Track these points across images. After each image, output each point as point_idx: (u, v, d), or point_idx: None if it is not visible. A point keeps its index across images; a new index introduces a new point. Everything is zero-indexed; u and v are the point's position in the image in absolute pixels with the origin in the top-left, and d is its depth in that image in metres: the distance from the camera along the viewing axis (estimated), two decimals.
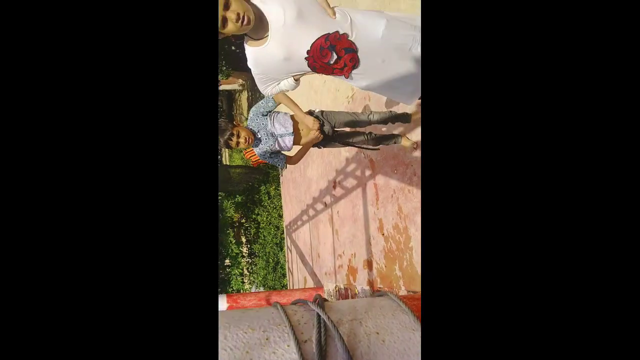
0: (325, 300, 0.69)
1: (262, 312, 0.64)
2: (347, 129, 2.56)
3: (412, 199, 2.85)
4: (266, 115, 2.22)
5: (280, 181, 8.05)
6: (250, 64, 1.40)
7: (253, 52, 1.35)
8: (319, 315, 0.60)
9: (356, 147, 2.70)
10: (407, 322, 0.61)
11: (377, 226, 3.52)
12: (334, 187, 4.67)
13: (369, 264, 3.69)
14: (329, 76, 1.46)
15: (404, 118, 2.54)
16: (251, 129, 2.20)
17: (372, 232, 3.62)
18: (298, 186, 6.54)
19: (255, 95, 9.63)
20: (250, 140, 2.12)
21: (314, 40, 1.29)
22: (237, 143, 2.09)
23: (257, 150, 2.25)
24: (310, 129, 2.23)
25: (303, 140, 2.29)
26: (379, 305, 0.66)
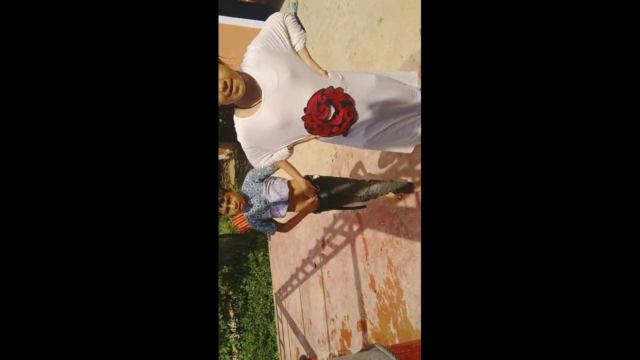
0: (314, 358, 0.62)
1: None
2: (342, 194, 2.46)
3: (400, 250, 2.77)
4: (262, 180, 2.13)
5: (269, 246, 7.84)
6: (240, 137, 1.32)
7: (244, 124, 1.28)
8: None
9: (348, 209, 2.63)
10: None
11: (368, 283, 3.37)
12: (323, 246, 4.55)
13: (363, 325, 3.48)
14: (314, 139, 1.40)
15: (408, 188, 2.39)
16: (244, 194, 2.12)
17: (363, 289, 3.46)
18: (286, 249, 6.37)
19: (242, 163, 9.75)
20: (241, 206, 2.02)
21: (309, 98, 1.25)
22: (227, 209, 1.99)
23: (247, 217, 2.15)
24: (306, 196, 2.14)
25: (298, 208, 2.19)
26: (367, 357, 0.58)
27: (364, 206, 2.56)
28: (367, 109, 1.33)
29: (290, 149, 1.38)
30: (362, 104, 1.31)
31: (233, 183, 10.35)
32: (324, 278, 4.51)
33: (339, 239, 4.04)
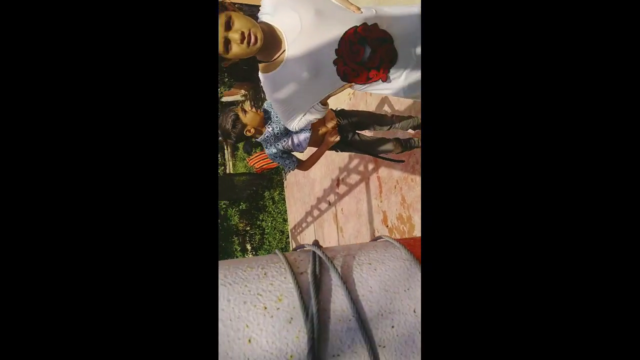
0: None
1: (260, 257, 0.67)
2: (370, 135, 2.33)
3: (414, 187, 2.87)
4: None
5: (284, 185, 8.08)
6: (269, 95, 1.18)
7: (270, 79, 1.13)
8: (314, 252, 0.63)
9: (380, 158, 2.39)
10: (399, 254, 0.63)
11: (381, 219, 3.53)
12: (338, 185, 4.70)
13: None
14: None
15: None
16: (264, 109, 2.02)
17: (376, 225, 3.63)
18: (302, 188, 6.57)
19: (258, 105, 9.72)
20: (260, 119, 1.93)
21: (339, 38, 1.07)
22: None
23: (268, 151, 2.09)
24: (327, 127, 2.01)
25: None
26: (373, 245, 0.69)
27: (402, 160, 2.44)
28: (408, 47, 1.13)
29: (325, 103, 1.22)
30: (402, 41, 1.12)
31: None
32: (338, 215, 4.71)
33: (354, 178, 4.15)
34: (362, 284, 0.57)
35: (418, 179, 2.83)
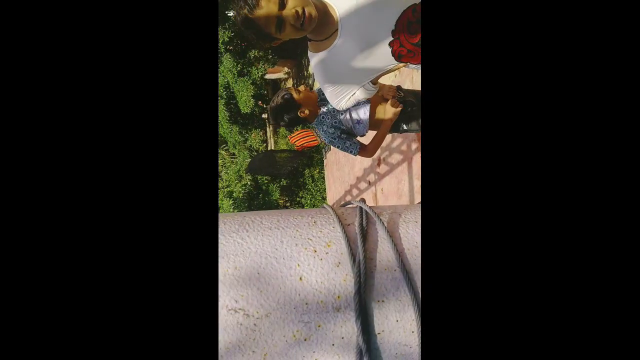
0: None
1: (310, 209, 0.71)
2: None
3: None
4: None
5: (324, 164, 8.14)
6: (317, 75, 1.14)
7: (319, 59, 1.09)
8: (361, 207, 0.65)
9: None
10: None
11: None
12: (379, 164, 4.68)
13: None
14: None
15: None
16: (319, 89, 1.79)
17: None
18: (342, 167, 6.61)
19: (300, 82, 9.73)
20: (314, 99, 1.75)
21: (397, 17, 1.02)
22: (299, 109, 1.72)
23: (325, 134, 1.86)
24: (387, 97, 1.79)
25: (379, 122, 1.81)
26: (419, 206, 0.70)
27: None
28: None
29: (375, 82, 1.18)
30: None
31: None
32: (377, 194, 4.71)
33: (396, 158, 4.11)
34: (407, 239, 0.60)
35: None
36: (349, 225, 0.62)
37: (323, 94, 1.85)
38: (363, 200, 0.68)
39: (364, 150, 1.92)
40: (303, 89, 1.85)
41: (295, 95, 1.79)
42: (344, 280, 0.55)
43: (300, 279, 0.55)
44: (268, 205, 9.09)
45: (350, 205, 0.71)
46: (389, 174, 4.32)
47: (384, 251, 0.58)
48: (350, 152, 1.91)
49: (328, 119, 1.83)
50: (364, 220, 0.62)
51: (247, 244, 0.58)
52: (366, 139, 1.91)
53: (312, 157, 8.59)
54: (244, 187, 8.86)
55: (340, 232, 0.60)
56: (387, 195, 4.38)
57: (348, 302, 0.54)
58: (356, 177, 5.63)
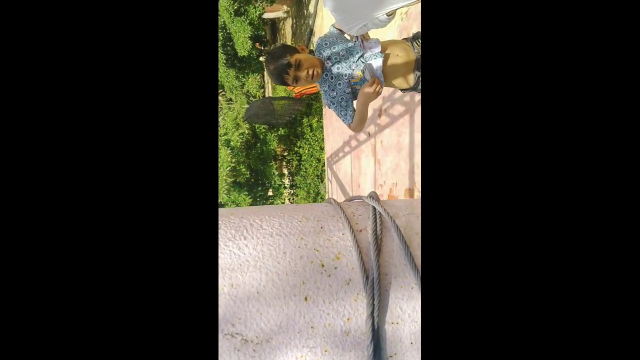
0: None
1: (316, 205, 0.63)
2: None
3: None
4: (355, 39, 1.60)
5: (323, 112, 7.93)
6: (328, 3, 1.11)
7: None
8: (374, 208, 0.58)
9: None
10: None
11: None
12: (380, 115, 4.53)
13: (410, 192, 3.66)
14: None
15: None
16: (320, 56, 1.64)
17: (416, 160, 3.53)
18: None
19: (300, 23, 9.17)
20: (315, 74, 1.55)
21: None
22: (296, 79, 1.54)
23: (326, 95, 1.69)
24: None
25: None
26: None
27: None
28: None
29: (390, 14, 1.13)
30: None
31: (291, 42, 9.96)
32: (377, 147, 4.61)
33: (398, 109, 3.96)
34: None
35: None
36: (360, 231, 0.55)
37: (323, 51, 1.70)
38: (374, 197, 0.60)
39: (352, 126, 1.81)
40: (302, 49, 1.68)
41: (293, 58, 1.57)
42: (354, 300, 0.49)
43: (306, 299, 0.49)
44: (265, 154, 9.00)
45: (358, 200, 0.63)
46: (390, 126, 4.19)
47: (400, 264, 0.51)
48: (343, 120, 1.81)
49: (332, 79, 1.69)
50: (378, 225, 0.54)
51: (245, 255, 0.51)
52: None
53: (311, 105, 8.35)
54: (241, 136, 8.71)
55: (351, 241, 0.52)
56: (387, 148, 4.29)
57: (359, 325, 0.48)
58: None
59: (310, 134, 8.36)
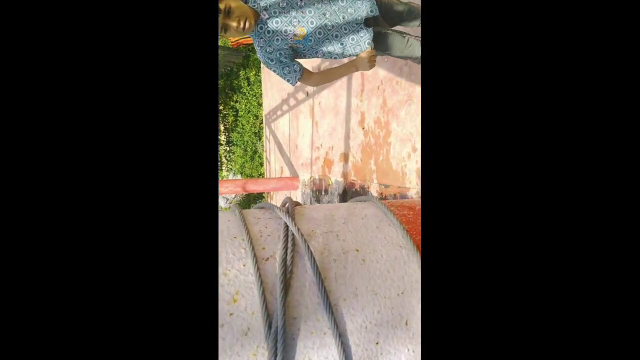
0: (297, 204, 0.57)
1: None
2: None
3: (398, 91, 2.65)
4: None
5: (261, 66, 7.51)
6: None
7: None
8: (286, 226, 0.47)
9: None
10: (394, 237, 0.49)
11: (358, 119, 3.36)
12: None
13: (345, 157, 3.64)
14: None
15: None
16: (255, 5, 1.43)
17: (352, 125, 3.48)
18: None
19: None
20: (246, 25, 1.37)
21: None
22: (225, 28, 1.36)
23: (261, 52, 1.49)
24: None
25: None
26: (362, 215, 0.54)
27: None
28: None
29: None
30: None
31: None
32: (315, 108, 4.47)
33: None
34: (345, 282, 0.44)
35: (403, 82, 2.60)
36: (267, 260, 0.44)
37: (259, 0, 1.48)
38: (289, 207, 0.49)
39: (306, 78, 1.66)
40: None
41: (222, 4, 1.36)
42: (253, 354, 0.40)
43: None
44: None
45: (269, 209, 0.53)
46: (328, 87, 4.05)
47: (312, 304, 0.42)
48: (288, 80, 1.64)
49: (268, 34, 1.48)
50: (288, 252, 0.44)
51: None
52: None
53: (249, 57, 7.85)
54: None
55: (254, 276, 0.42)
56: (325, 110, 4.17)
57: None
58: (295, 86, 5.27)
59: (248, 87, 7.92)
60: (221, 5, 1.39)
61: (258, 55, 1.57)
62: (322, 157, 4.25)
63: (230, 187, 4.60)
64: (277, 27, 1.47)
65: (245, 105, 8.05)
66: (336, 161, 3.83)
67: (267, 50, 1.51)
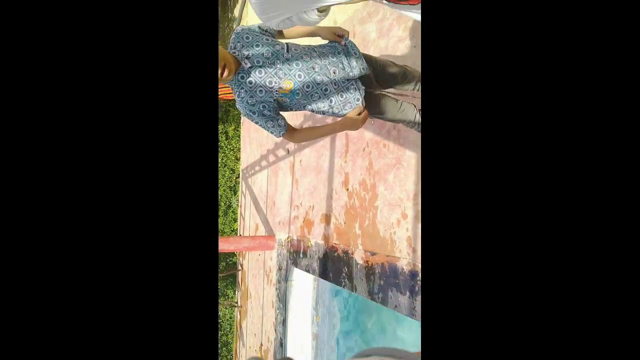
0: None
1: None
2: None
3: (386, 154, 2.58)
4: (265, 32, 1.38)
5: (241, 121, 7.50)
6: None
7: None
8: None
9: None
10: None
11: (342, 180, 3.25)
12: None
13: (327, 218, 3.46)
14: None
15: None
16: (235, 52, 1.35)
17: (335, 185, 3.35)
18: (260, 129, 6.08)
19: (224, 25, 8.61)
20: (225, 72, 1.26)
21: None
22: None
23: (242, 103, 1.39)
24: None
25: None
26: None
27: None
28: None
29: (323, 10, 0.92)
30: None
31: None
32: (296, 166, 4.37)
33: None
34: None
35: (391, 145, 2.53)
36: None
37: (241, 48, 1.37)
38: None
39: (290, 135, 1.55)
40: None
41: None
42: None
43: None
44: None
45: None
46: (310, 146, 3.98)
47: None
48: (271, 132, 1.52)
49: (250, 84, 1.35)
50: None
51: None
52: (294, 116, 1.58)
53: (228, 112, 7.86)
54: None
55: None
56: (306, 168, 4.07)
57: None
58: (275, 142, 5.20)
59: (226, 142, 7.84)
60: None
61: (238, 106, 1.45)
62: (301, 217, 4.06)
63: None
64: (260, 79, 1.36)
65: (222, 159, 7.91)
66: (317, 222, 3.65)
67: (249, 101, 1.40)
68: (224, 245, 4.43)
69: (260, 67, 1.34)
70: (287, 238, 4.39)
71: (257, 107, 1.40)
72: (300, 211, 4.13)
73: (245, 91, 1.37)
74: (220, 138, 7.92)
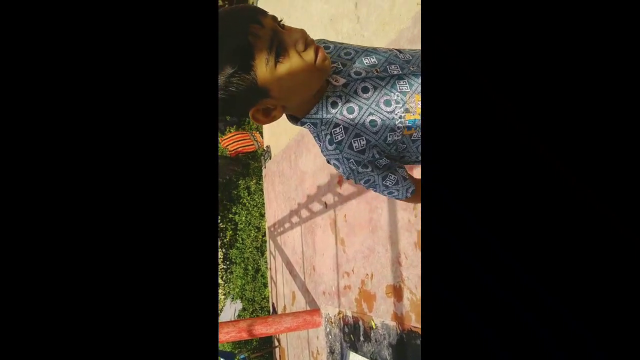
0: None
1: None
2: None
3: None
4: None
5: (263, 174, 6.87)
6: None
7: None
8: None
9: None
10: None
11: (413, 241, 2.46)
12: (340, 182, 3.57)
13: (397, 291, 2.63)
14: None
15: None
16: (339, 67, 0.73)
17: (403, 247, 2.55)
18: (286, 180, 5.40)
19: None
20: (324, 60, 0.70)
21: None
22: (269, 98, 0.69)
23: (335, 151, 0.72)
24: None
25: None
26: None
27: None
28: None
29: None
30: None
31: None
32: (339, 221, 3.60)
33: None
34: None
35: None
36: None
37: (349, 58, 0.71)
38: None
39: (417, 194, 0.90)
40: (300, 47, 0.68)
41: (258, 72, 0.66)
42: None
43: None
44: None
45: None
46: (357, 197, 3.24)
47: None
48: (390, 194, 0.85)
49: (342, 129, 0.72)
50: None
51: None
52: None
53: (249, 165, 7.28)
54: None
55: None
56: (353, 225, 3.29)
57: None
58: (307, 194, 4.48)
59: (248, 197, 7.18)
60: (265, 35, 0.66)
61: (329, 158, 0.74)
62: (355, 287, 3.23)
63: (232, 332, 3.45)
64: (375, 102, 0.69)
65: (246, 217, 7.22)
66: (380, 295, 2.81)
67: (354, 145, 0.71)
68: (261, 328, 3.59)
69: (373, 87, 0.67)
70: (339, 314, 3.53)
71: (368, 153, 0.69)
72: (352, 280, 3.31)
73: (341, 142, 0.67)
74: (242, 194, 7.28)
